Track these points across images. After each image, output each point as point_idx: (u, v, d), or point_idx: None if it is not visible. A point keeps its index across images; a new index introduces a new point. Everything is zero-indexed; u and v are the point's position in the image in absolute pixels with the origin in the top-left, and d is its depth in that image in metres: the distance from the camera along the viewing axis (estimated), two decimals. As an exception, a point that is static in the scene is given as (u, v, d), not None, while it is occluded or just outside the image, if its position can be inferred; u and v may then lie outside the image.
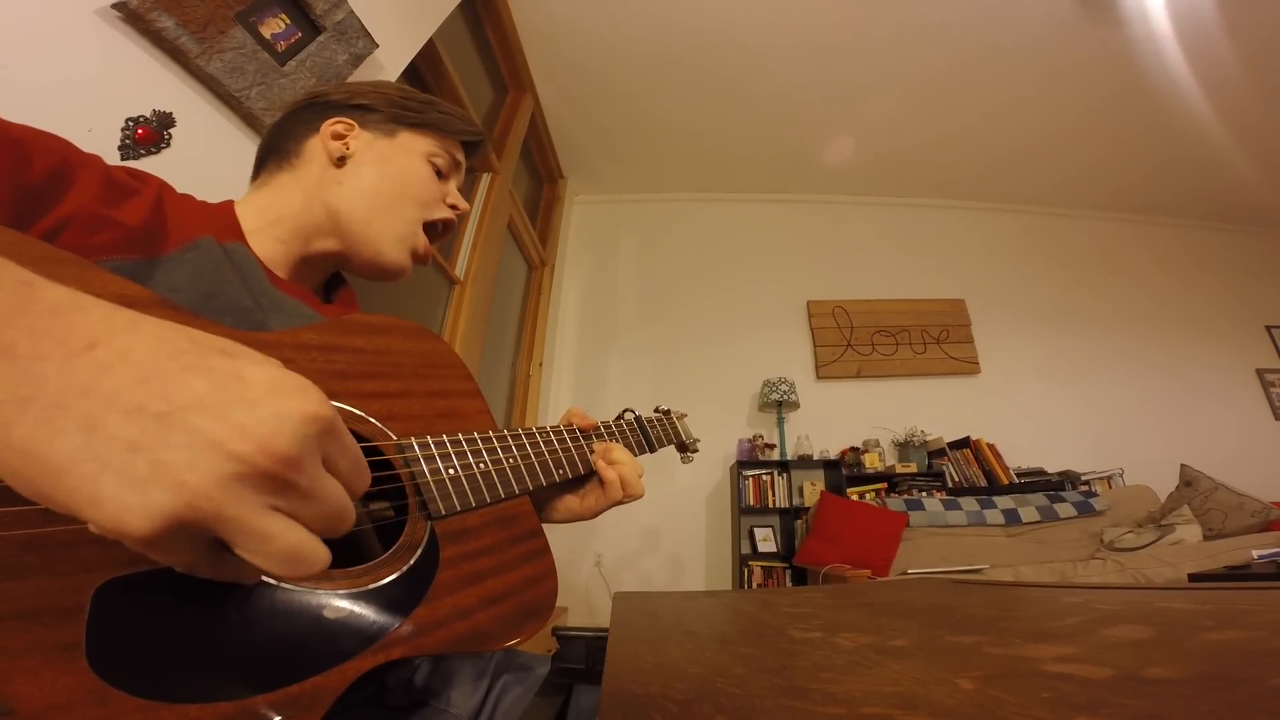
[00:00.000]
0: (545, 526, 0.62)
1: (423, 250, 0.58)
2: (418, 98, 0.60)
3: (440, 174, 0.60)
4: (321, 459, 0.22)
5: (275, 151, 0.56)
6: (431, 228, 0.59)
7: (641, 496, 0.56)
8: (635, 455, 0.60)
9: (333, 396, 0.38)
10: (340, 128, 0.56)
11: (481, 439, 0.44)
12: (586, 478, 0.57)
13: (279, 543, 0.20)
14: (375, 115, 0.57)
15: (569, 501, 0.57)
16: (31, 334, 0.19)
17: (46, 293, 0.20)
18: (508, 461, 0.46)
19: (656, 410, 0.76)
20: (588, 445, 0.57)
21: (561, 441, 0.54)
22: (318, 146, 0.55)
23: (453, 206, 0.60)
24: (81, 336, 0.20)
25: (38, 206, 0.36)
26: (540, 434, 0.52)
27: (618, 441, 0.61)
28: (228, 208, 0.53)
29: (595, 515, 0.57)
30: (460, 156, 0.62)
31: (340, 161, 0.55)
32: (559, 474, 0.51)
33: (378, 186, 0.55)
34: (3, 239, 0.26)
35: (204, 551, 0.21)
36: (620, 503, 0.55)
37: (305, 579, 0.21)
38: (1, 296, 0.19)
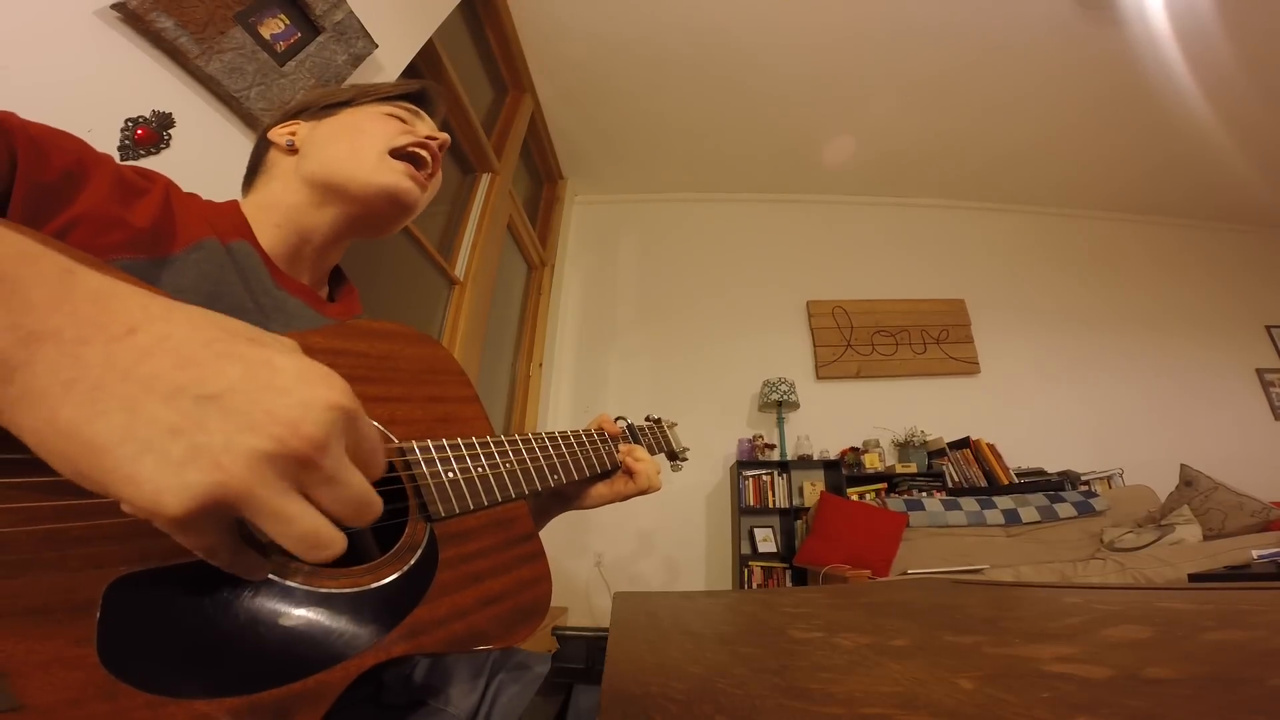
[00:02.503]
0: (544, 526, 0.64)
1: (409, 172, 0.58)
2: (342, 87, 0.65)
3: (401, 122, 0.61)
4: (345, 447, 0.23)
5: (248, 177, 0.61)
6: (408, 158, 0.59)
7: (660, 489, 0.64)
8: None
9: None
10: (287, 128, 0.60)
11: (480, 444, 0.45)
12: (612, 472, 0.64)
13: (299, 525, 0.21)
14: (310, 110, 0.61)
15: (599, 489, 0.64)
16: (75, 319, 0.20)
17: (87, 280, 0.21)
18: (505, 466, 0.46)
19: (648, 419, 0.78)
20: (615, 446, 0.64)
21: (581, 444, 0.59)
22: (275, 151, 0.59)
23: (430, 137, 0.61)
24: (122, 322, 0.21)
25: (51, 205, 0.37)
26: (537, 440, 0.53)
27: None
28: (233, 206, 0.54)
29: (625, 499, 0.65)
30: (412, 107, 0.64)
31: (293, 148, 0.58)
32: (554, 479, 0.52)
33: (336, 135, 0.58)
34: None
35: (227, 535, 0.22)
36: (645, 492, 0.64)
37: (321, 561, 0.22)
38: (47, 283, 0.20)
